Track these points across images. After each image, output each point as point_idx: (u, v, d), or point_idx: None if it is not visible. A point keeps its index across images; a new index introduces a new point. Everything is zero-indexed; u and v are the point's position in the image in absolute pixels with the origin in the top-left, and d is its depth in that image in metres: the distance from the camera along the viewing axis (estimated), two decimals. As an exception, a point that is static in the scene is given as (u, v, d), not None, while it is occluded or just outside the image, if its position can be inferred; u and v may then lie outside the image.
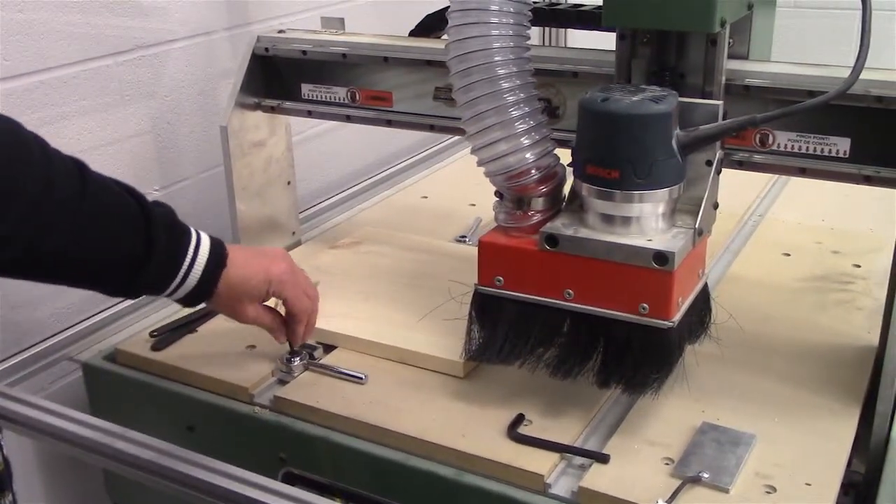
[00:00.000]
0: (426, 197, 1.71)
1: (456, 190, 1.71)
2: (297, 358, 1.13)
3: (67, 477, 0.85)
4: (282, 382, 1.12)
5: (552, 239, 0.96)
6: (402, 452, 1.00)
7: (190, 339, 1.21)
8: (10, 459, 0.78)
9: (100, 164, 1.37)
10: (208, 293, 0.94)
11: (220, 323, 1.21)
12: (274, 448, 1.08)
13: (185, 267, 0.90)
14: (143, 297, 0.92)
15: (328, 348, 1.18)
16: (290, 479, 1.06)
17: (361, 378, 1.10)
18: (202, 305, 0.99)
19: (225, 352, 1.17)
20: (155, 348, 1.18)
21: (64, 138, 1.33)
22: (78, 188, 0.79)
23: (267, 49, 1.32)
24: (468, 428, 1.01)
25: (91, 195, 0.80)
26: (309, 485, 1.05)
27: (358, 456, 1.02)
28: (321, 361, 1.14)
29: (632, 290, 0.93)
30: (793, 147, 1.02)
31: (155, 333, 1.21)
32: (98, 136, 1.37)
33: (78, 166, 0.80)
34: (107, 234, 0.83)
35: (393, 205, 1.68)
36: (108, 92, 1.37)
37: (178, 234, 0.90)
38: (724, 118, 0.96)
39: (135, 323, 1.27)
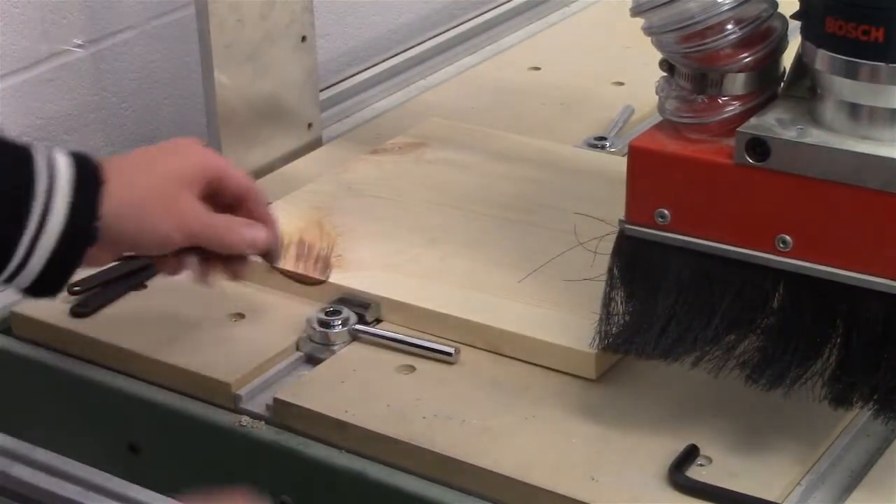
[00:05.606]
0: (538, 69, 1.72)
1: (589, 59, 1.72)
2: (338, 320, 1.17)
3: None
4: (310, 360, 1.16)
5: (760, 146, 0.98)
6: (490, 503, 1.03)
7: (135, 298, 1.22)
8: None
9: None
10: (94, 215, 0.97)
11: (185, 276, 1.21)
12: (272, 486, 1.10)
13: (42, 176, 0.94)
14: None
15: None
16: (296, 540, 1.09)
17: (450, 353, 1.15)
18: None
19: (193, 322, 1.20)
20: (77, 313, 1.20)
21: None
22: None
23: None
24: (602, 465, 1.03)
25: None
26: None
27: (415, 506, 1.06)
28: (376, 327, 1.18)
29: (898, 240, 0.95)
30: None
31: (77, 288, 1.21)
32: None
33: None
34: None
35: (480, 81, 1.70)
36: None
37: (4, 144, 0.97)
38: None
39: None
